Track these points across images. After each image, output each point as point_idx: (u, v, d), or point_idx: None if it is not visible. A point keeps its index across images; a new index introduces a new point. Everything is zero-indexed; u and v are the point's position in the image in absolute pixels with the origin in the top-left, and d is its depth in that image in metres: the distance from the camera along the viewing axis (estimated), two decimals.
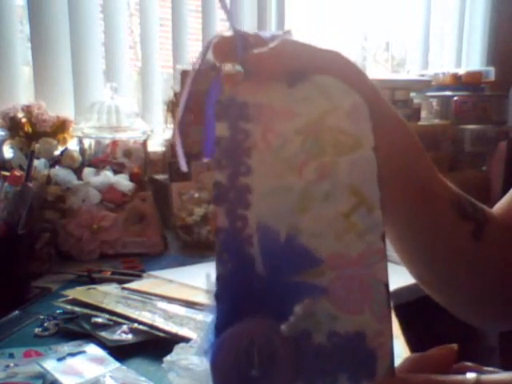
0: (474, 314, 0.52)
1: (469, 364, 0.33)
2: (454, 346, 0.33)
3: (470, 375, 0.30)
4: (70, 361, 0.61)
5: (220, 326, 0.30)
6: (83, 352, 0.64)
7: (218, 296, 0.31)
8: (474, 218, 0.46)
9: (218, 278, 0.31)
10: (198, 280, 0.84)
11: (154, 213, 1.14)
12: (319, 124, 0.32)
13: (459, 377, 0.30)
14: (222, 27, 1.55)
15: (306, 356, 0.31)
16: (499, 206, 0.53)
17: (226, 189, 0.32)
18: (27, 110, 1.17)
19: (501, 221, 0.50)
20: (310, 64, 0.34)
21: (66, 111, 1.29)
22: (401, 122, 0.42)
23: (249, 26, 1.56)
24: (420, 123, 1.57)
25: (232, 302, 0.31)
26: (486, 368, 0.33)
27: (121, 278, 0.89)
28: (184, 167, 0.42)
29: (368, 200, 0.32)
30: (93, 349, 0.65)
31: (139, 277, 0.90)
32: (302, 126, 0.32)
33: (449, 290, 0.50)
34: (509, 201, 0.53)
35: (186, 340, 0.64)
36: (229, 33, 0.36)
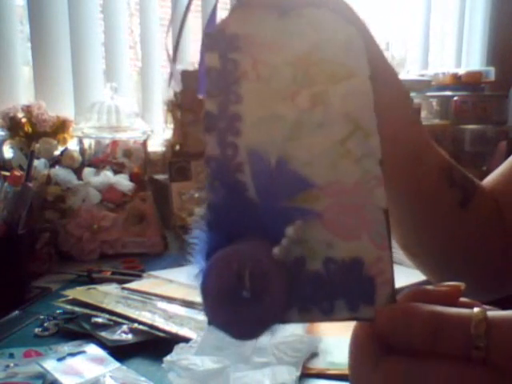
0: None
1: (467, 300, 0.32)
2: (461, 284, 0.32)
3: (477, 309, 0.29)
4: (69, 361, 0.61)
5: (211, 254, 0.30)
6: (83, 352, 0.64)
7: (210, 223, 0.31)
8: (462, 187, 0.47)
9: (209, 206, 0.31)
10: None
11: (153, 213, 1.14)
12: (311, 56, 0.32)
13: (465, 310, 0.29)
14: None
15: (301, 283, 0.31)
16: (489, 180, 0.54)
17: (217, 118, 0.32)
18: (27, 110, 1.17)
19: (489, 193, 0.51)
20: None
21: (66, 111, 1.29)
22: (395, 79, 0.42)
23: None
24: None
25: (224, 228, 0.31)
26: (485, 306, 0.31)
27: (121, 278, 0.89)
28: (176, 87, 0.46)
29: (364, 127, 0.32)
30: (93, 349, 0.65)
31: (139, 277, 0.90)
32: (292, 58, 0.32)
33: (434, 260, 0.51)
34: (498, 175, 0.54)
35: (186, 340, 0.64)
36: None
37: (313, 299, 0.31)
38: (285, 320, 0.30)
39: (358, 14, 0.38)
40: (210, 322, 0.30)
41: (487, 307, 0.31)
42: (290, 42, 0.33)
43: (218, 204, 0.31)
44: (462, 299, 0.32)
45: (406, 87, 0.44)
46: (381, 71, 0.40)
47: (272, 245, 0.29)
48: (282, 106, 0.32)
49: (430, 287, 0.32)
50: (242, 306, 0.29)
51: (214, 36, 0.33)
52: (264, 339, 0.44)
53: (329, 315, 0.31)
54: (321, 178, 0.31)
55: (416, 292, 0.32)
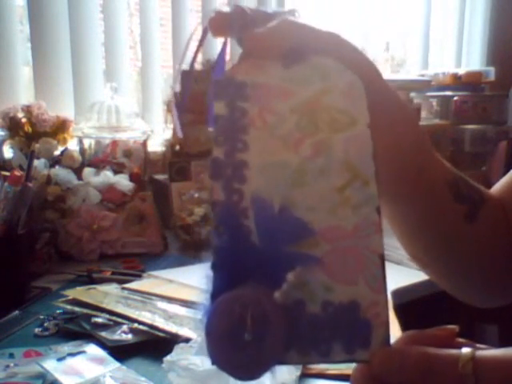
0: (464, 291, 0.54)
1: (462, 340, 0.33)
2: (455, 327, 0.33)
3: (466, 350, 0.30)
4: (70, 361, 0.61)
5: (215, 295, 0.31)
6: (83, 352, 0.64)
7: (215, 266, 0.32)
8: (468, 200, 0.47)
9: (214, 250, 0.32)
10: (198, 280, 0.84)
11: (153, 213, 1.14)
12: (314, 103, 0.34)
13: (454, 351, 0.30)
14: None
15: (300, 325, 0.32)
16: (497, 187, 0.54)
17: (223, 164, 0.33)
18: (27, 110, 1.17)
19: (496, 201, 0.51)
20: (306, 44, 0.35)
21: (66, 111, 1.29)
22: (399, 101, 0.43)
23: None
24: (420, 123, 1.57)
25: (228, 271, 0.32)
26: (479, 345, 0.33)
27: (121, 278, 0.89)
28: (180, 133, 0.47)
29: (362, 174, 0.33)
30: (93, 349, 0.65)
31: (139, 277, 0.90)
32: (297, 105, 0.34)
33: (441, 268, 0.52)
34: (506, 183, 0.54)
35: (186, 340, 0.64)
36: (227, 8, 0.37)
37: (311, 341, 0.32)
38: (284, 361, 0.32)
39: (362, 55, 0.40)
40: (212, 363, 0.31)
41: (482, 346, 0.32)
42: (296, 90, 0.34)
43: (222, 247, 0.33)
44: (459, 339, 0.33)
45: (409, 107, 0.45)
46: (382, 91, 0.41)
47: (273, 288, 0.31)
48: (286, 154, 0.33)
49: (424, 331, 0.33)
50: (244, 348, 0.30)
51: (222, 83, 0.34)
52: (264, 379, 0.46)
53: (326, 357, 0.32)
54: (321, 224, 0.33)
55: (412, 335, 0.33)
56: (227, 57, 0.41)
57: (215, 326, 0.30)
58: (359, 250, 0.33)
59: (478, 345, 0.33)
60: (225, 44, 0.40)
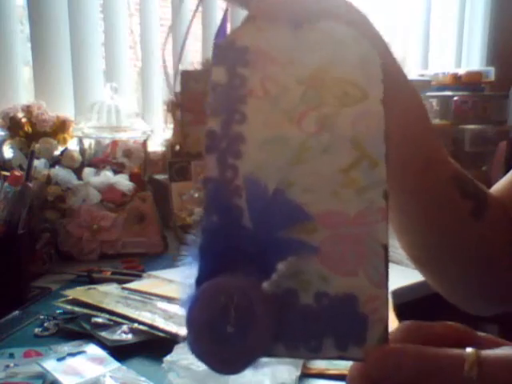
0: (458, 295, 0.52)
1: (463, 328, 0.31)
2: (460, 325, 0.31)
3: (470, 352, 0.28)
4: (69, 361, 0.61)
5: (200, 280, 0.29)
6: (83, 352, 0.64)
7: (202, 249, 0.30)
8: (474, 196, 0.46)
9: (202, 230, 0.30)
10: None
11: (153, 213, 1.14)
12: (324, 74, 0.31)
13: (456, 352, 0.28)
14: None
15: (290, 317, 0.29)
16: (498, 188, 0.53)
17: (219, 137, 0.30)
18: (27, 110, 1.17)
19: (498, 201, 0.50)
20: (318, 7, 0.32)
21: (66, 111, 1.29)
22: (411, 87, 0.41)
23: None
24: None
25: (216, 256, 0.29)
26: (483, 334, 0.31)
27: (121, 278, 0.89)
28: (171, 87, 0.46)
29: (371, 155, 0.30)
30: (93, 349, 0.65)
31: (139, 277, 0.90)
32: (304, 76, 0.31)
33: (438, 269, 0.50)
34: (506, 183, 0.53)
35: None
36: None
37: (301, 335, 0.29)
38: (271, 354, 0.29)
39: (374, 26, 0.37)
40: (193, 354, 0.29)
41: (481, 334, 0.31)
42: (303, 58, 0.31)
43: (211, 229, 0.30)
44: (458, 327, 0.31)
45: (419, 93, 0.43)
46: (394, 76, 0.39)
47: (263, 276, 0.28)
48: (288, 128, 0.30)
49: (423, 323, 0.31)
50: (226, 341, 0.28)
51: (223, 47, 0.31)
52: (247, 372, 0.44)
53: (316, 353, 0.29)
54: (320, 207, 0.30)
55: (409, 327, 0.31)
56: (229, 25, 0.38)
57: (196, 316, 0.28)
58: (361, 238, 0.30)
59: (483, 334, 0.31)
60: (227, 11, 0.38)
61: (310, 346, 0.29)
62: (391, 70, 0.38)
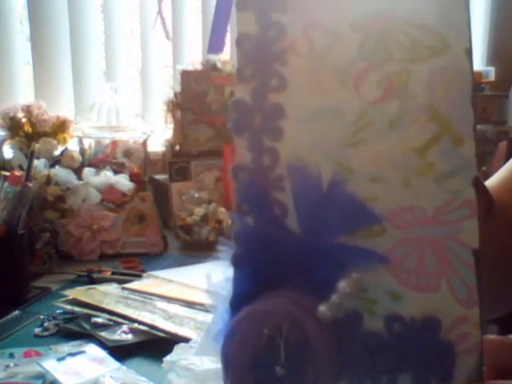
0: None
1: None
2: None
3: None
4: (70, 361, 0.61)
5: (237, 302, 0.23)
6: (83, 352, 0.64)
7: (236, 259, 0.23)
8: (486, 193, 0.45)
9: (235, 237, 0.23)
10: (197, 280, 0.84)
11: (153, 213, 1.14)
12: (387, 16, 0.22)
13: None
14: None
15: (354, 347, 0.22)
16: (491, 187, 0.53)
17: (251, 110, 0.22)
18: (27, 109, 1.17)
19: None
20: None
21: (66, 111, 1.29)
22: None
23: None
24: None
25: (254, 268, 0.22)
26: None
27: (121, 278, 0.89)
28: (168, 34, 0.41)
29: (455, 129, 0.22)
30: (93, 349, 0.65)
31: (139, 277, 0.90)
32: (361, 19, 0.23)
33: None
34: (499, 185, 0.53)
35: (186, 340, 0.64)
36: None
37: (369, 371, 0.23)
38: None
39: None
40: None
41: None
42: None
43: (246, 234, 0.23)
44: None
45: None
46: None
47: (317, 296, 0.21)
48: (342, 95, 0.22)
49: (504, 338, 0.25)
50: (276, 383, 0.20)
51: None
52: None
53: None
54: (388, 203, 0.23)
55: (491, 347, 0.24)
56: None
57: (235, 354, 0.22)
58: (443, 241, 0.23)
59: None
60: None
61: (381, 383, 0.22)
62: None
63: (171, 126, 1.29)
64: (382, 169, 0.22)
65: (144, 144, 1.26)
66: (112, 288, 0.83)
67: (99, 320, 0.71)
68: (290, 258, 0.22)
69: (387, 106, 0.22)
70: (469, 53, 0.22)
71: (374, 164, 0.22)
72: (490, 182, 0.54)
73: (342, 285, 0.22)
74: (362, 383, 0.23)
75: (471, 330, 0.22)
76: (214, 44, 0.28)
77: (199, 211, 1.12)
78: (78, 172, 1.12)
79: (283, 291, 0.22)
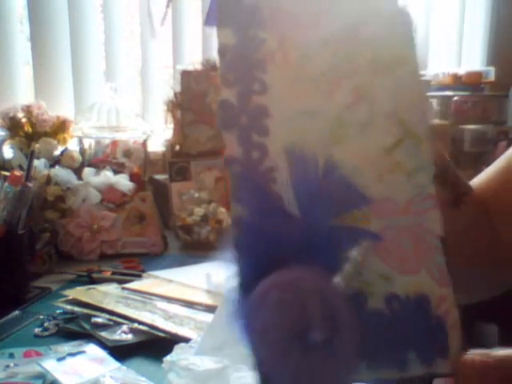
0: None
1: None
2: None
3: None
4: (70, 361, 0.61)
5: (246, 284, 0.22)
6: (83, 352, 0.64)
7: (238, 246, 0.23)
8: (453, 188, 0.49)
9: (235, 224, 0.24)
10: (197, 280, 0.84)
11: (153, 213, 1.14)
12: (353, 33, 0.25)
13: None
14: None
15: (364, 326, 0.23)
16: (480, 182, 0.56)
17: (237, 110, 0.24)
18: (27, 109, 1.17)
19: (478, 195, 0.54)
20: None
21: (66, 111, 1.29)
22: None
23: None
24: None
25: (257, 252, 0.23)
26: None
27: (121, 278, 0.89)
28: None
29: (415, 131, 0.25)
30: (93, 349, 0.65)
31: (139, 277, 0.90)
32: (330, 36, 0.25)
33: None
34: (488, 179, 0.56)
35: (186, 340, 0.64)
36: None
37: (382, 349, 0.24)
38: (355, 377, 0.24)
39: None
40: (259, 370, 0.22)
41: None
42: (328, 15, 0.25)
43: (244, 220, 0.23)
44: None
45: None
46: None
47: (323, 272, 0.22)
48: (319, 99, 0.25)
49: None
50: (308, 352, 0.21)
51: (228, 4, 0.25)
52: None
53: (403, 370, 0.24)
54: (372, 193, 0.25)
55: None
56: None
57: (271, 323, 0.21)
58: (416, 230, 0.25)
59: None
60: None
61: (395, 361, 0.24)
62: None
63: (171, 126, 1.29)
64: (360, 165, 0.25)
65: (144, 144, 1.26)
66: (112, 288, 0.83)
67: (99, 320, 0.71)
68: (293, 240, 0.23)
69: (359, 110, 0.25)
70: (418, 68, 0.26)
71: (353, 160, 0.25)
72: (481, 178, 0.57)
73: (354, 254, 0.23)
74: (378, 362, 0.24)
75: (451, 308, 0.25)
76: (212, 17, 0.28)
77: (199, 211, 1.12)
78: (78, 172, 1.12)
79: (295, 267, 0.22)
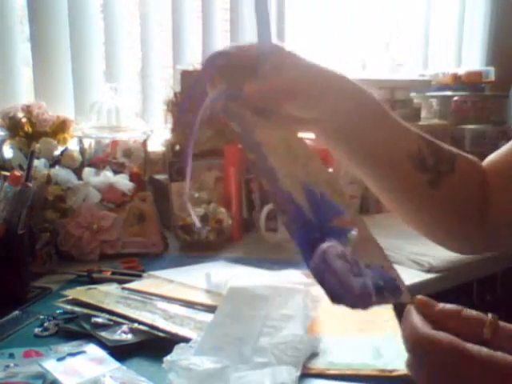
0: (445, 241, 0.62)
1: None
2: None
3: (490, 315, 0.37)
4: (69, 361, 0.61)
5: (306, 250, 0.40)
6: (83, 352, 0.64)
7: (293, 237, 0.41)
8: (433, 169, 0.54)
9: (285, 224, 0.43)
10: (197, 280, 0.84)
11: (153, 213, 1.14)
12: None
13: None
14: (221, 27, 1.55)
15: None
16: (491, 157, 0.61)
17: (260, 167, 0.45)
18: (27, 109, 1.17)
19: (474, 168, 0.59)
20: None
21: (66, 111, 1.29)
22: (358, 94, 0.52)
23: (248, 27, 1.56)
24: (420, 123, 1.57)
25: (302, 238, 0.41)
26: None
27: (121, 278, 0.89)
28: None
29: (336, 187, 0.48)
30: (93, 349, 0.65)
31: (139, 277, 0.90)
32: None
33: (416, 221, 0.61)
34: (498, 155, 0.60)
35: (186, 340, 0.64)
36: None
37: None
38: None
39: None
40: (338, 299, 0.37)
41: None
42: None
43: (287, 224, 0.43)
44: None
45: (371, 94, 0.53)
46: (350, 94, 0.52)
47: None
48: (297, 167, 0.47)
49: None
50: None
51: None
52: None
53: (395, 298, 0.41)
54: (339, 208, 0.45)
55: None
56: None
57: (333, 268, 0.38)
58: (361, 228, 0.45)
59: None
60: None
61: (390, 293, 0.41)
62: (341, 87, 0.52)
63: (171, 126, 1.29)
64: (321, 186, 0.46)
65: (144, 144, 1.26)
66: (112, 288, 0.83)
67: (99, 320, 0.71)
68: (316, 232, 0.42)
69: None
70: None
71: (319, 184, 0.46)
72: (494, 154, 0.62)
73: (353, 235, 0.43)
74: (381, 292, 0.41)
75: (390, 269, 0.43)
76: (265, 38, 0.47)
77: (199, 211, 1.12)
78: (78, 172, 1.12)
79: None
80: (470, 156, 0.59)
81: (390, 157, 0.53)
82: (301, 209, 0.42)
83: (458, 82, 1.72)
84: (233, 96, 0.46)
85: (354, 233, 0.42)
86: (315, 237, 0.41)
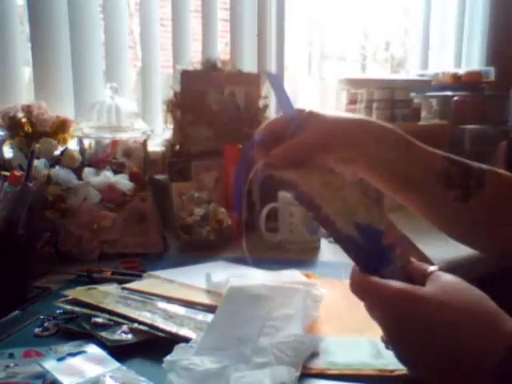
0: (475, 244, 0.64)
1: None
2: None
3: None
4: (70, 361, 0.61)
5: (358, 260, 0.51)
6: (83, 352, 0.64)
7: (346, 252, 0.51)
8: (461, 185, 0.58)
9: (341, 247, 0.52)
10: (198, 280, 0.84)
11: (153, 213, 1.14)
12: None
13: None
14: (221, 27, 1.55)
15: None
16: None
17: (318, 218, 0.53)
18: (27, 109, 1.17)
19: (499, 177, 0.60)
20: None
21: (66, 111, 1.29)
22: (386, 131, 0.58)
23: (248, 27, 1.56)
24: (420, 123, 1.57)
25: (354, 255, 0.51)
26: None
27: (121, 278, 0.89)
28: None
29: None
30: (93, 349, 0.65)
31: (139, 277, 0.90)
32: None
33: (450, 230, 0.63)
34: None
35: (186, 340, 0.64)
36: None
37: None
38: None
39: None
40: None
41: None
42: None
43: (355, 261, 0.51)
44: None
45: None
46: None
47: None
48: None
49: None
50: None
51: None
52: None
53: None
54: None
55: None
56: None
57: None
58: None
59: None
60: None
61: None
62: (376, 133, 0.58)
63: (171, 126, 1.29)
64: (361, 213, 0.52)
65: (144, 144, 1.26)
66: (112, 288, 0.83)
67: (99, 320, 0.71)
68: (361, 256, 0.51)
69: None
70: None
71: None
72: None
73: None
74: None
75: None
76: (288, 108, 0.55)
77: (199, 211, 1.12)
78: (78, 172, 1.12)
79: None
80: (502, 170, 0.62)
81: (419, 180, 0.58)
82: (357, 242, 0.50)
83: (457, 82, 1.72)
84: (269, 164, 0.52)
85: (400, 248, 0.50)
86: (374, 261, 0.49)
